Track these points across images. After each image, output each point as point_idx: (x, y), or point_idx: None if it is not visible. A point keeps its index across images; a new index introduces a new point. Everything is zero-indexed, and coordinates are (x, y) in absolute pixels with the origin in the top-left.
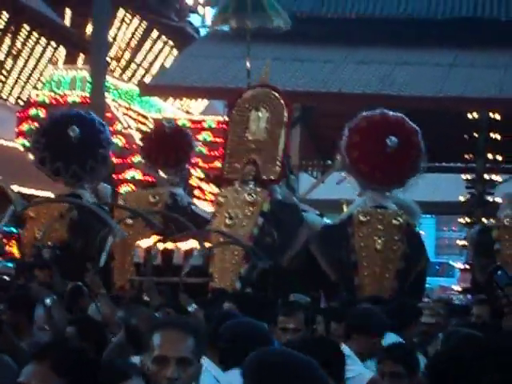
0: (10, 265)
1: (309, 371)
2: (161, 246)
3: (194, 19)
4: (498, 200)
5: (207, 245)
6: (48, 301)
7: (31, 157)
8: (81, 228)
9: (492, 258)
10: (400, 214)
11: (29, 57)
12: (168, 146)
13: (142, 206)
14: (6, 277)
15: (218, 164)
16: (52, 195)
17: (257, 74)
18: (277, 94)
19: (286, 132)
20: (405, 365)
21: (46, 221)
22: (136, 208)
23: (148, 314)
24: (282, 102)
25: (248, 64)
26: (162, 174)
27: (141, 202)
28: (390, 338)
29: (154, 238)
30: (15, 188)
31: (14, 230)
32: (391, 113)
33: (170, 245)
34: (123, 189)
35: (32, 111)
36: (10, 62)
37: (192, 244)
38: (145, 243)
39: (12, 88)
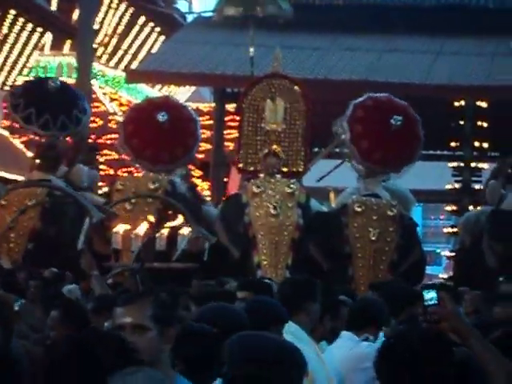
0: None
1: None
2: (140, 231)
3: (181, 5)
4: None
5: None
6: (16, 307)
7: (15, 141)
8: (53, 215)
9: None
10: (394, 205)
11: (15, 42)
12: (166, 140)
13: (142, 192)
14: None
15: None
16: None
17: (242, 61)
18: (293, 84)
19: (307, 123)
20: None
21: (18, 208)
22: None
23: None
24: (299, 91)
25: (251, 52)
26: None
27: (140, 188)
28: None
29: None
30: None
31: None
32: (396, 99)
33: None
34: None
35: None
36: None
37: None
38: (122, 228)
39: None
